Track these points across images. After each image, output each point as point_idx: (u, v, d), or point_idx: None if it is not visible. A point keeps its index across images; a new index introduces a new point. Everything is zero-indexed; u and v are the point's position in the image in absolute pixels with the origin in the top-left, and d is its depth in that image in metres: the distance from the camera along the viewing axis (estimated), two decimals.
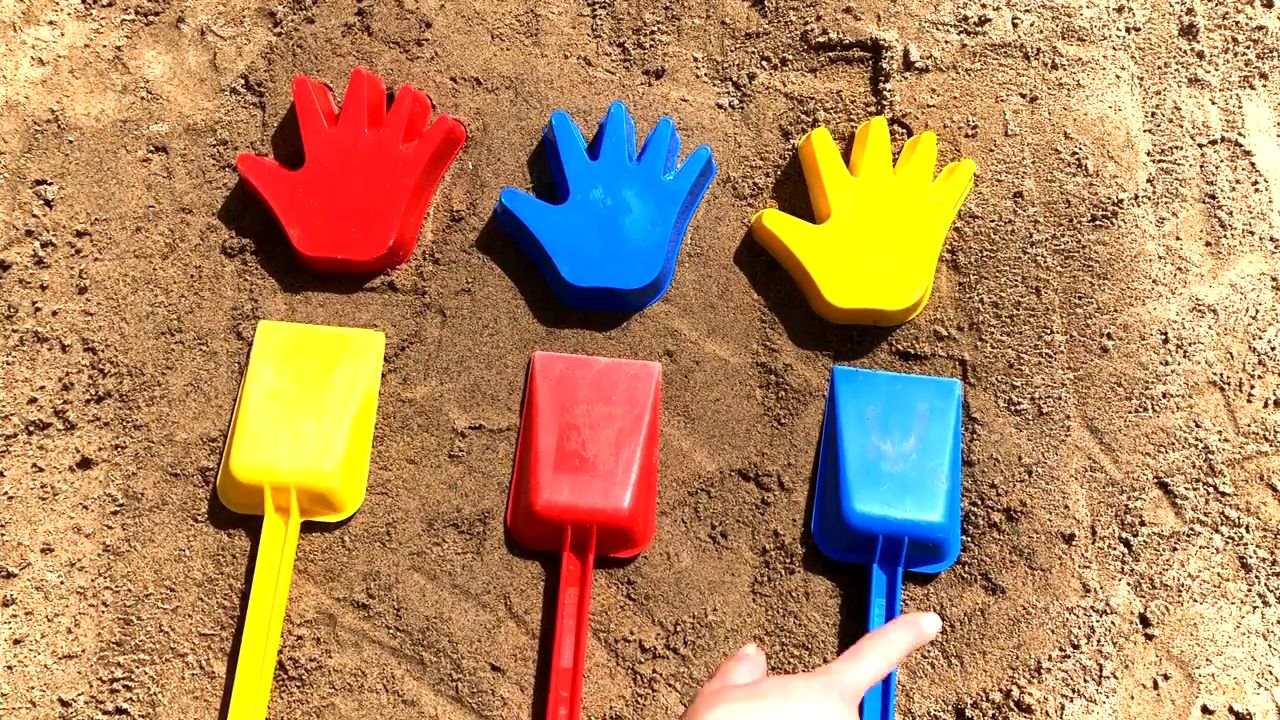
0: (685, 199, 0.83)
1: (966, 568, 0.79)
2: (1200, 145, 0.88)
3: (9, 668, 0.77)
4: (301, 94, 0.84)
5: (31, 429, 0.81)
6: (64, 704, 0.77)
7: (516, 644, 0.77)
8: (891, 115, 0.87)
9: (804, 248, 0.81)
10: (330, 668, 0.77)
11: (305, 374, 0.81)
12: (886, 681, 0.73)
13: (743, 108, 0.88)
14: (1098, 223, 0.86)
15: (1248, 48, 0.91)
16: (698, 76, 0.89)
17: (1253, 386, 0.83)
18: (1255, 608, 0.79)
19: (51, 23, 0.91)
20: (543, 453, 0.78)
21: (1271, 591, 0.79)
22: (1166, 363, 0.83)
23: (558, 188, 0.85)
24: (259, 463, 0.77)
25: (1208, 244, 0.87)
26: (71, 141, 0.87)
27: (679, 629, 0.78)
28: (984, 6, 0.90)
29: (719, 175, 0.87)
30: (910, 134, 0.87)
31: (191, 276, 0.85)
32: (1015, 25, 0.89)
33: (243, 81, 0.89)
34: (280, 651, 0.77)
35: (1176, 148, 0.88)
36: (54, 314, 0.84)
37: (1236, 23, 0.91)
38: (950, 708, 0.76)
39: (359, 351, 0.82)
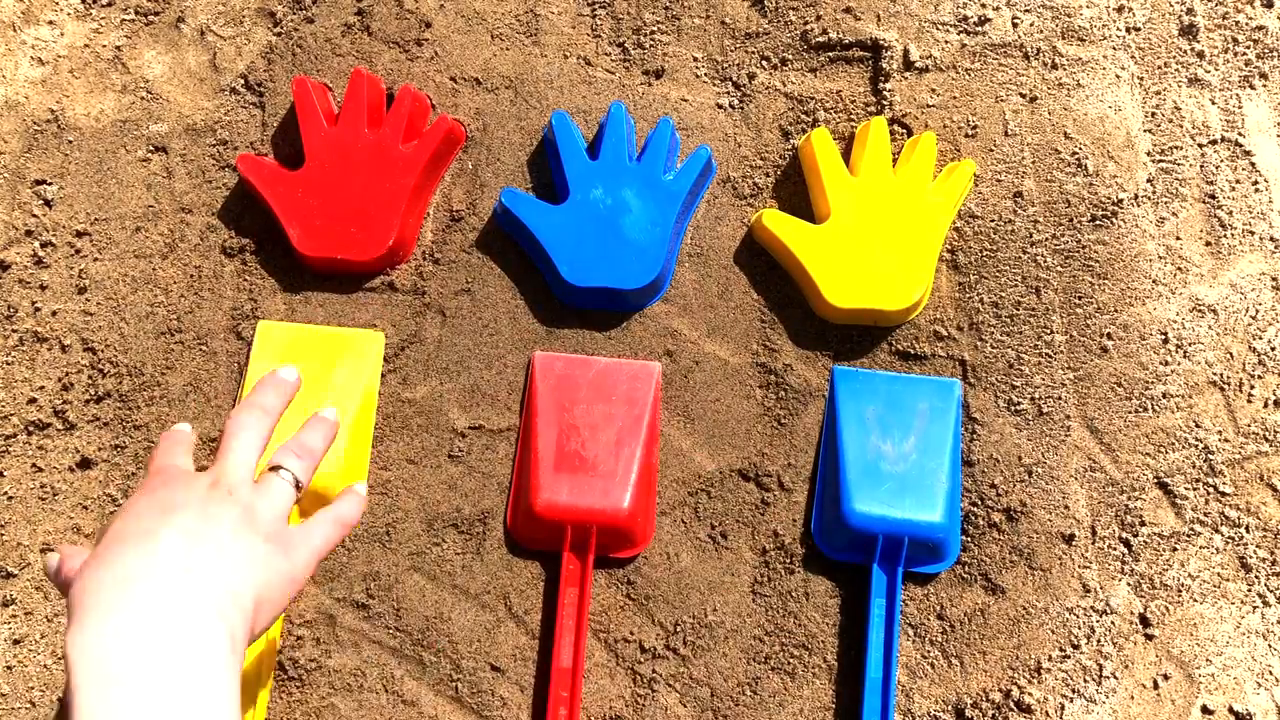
0: (685, 199, 0.83)
1: (966, 568, 0.79)
2: (1200, 145, 0.88)
3: (9, 668, 0.77)
4: (301, 94, 0.84)
5: (31, 429, 0.81)
6: (64, 704, 0.76)
7: (516, 644, 0.77)
8: (891, 115, 0.87)
9: (804, 248, 0.81)
10: (330, 668, 0.77)
11: (305, 374, 0.80)
12: (886, 681, 0.73)
13: (743, 108, 0.88)
14: (1098, 223, 0.86)
15: (1248, 48, 0.91)
16: (698, 76, 0.89)
17: (1253, 386, 0.83)
18: (1255, 608, 0.79)
19: (51, 23, 0.91)
20: (543, 453, 0.78)
21: (1271, 591, 0.79)
22: (1166, 363, 0.83)
23: (558, 188, 0.85)
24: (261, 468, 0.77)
25: (1208, 244, 0.87)
26: (71, 141, 0.87)
27: (679, 629, 0.78)
28: (984, 6, 0.90)
29: (719, 175, 0.87)
30: (910, 134, 0.87)
31: (191, 276, 0.85)
32: (1015, 25, 0.89)
33: (242, 81, 0.89)
34: (280, 651, 0.77)
35: (1176, 148, 0.88)
36: (54, 314, 0.84)
37: (1236, 23, 0.91)
38: (950, 708, 0.76)
39: (359, 351, 0.82)
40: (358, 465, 0.80)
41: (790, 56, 0.89)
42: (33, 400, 0.82)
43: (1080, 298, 0.84)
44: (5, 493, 0.80)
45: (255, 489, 0.54)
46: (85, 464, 0.81)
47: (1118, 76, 0.89)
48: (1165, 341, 0.84)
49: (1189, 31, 0.91)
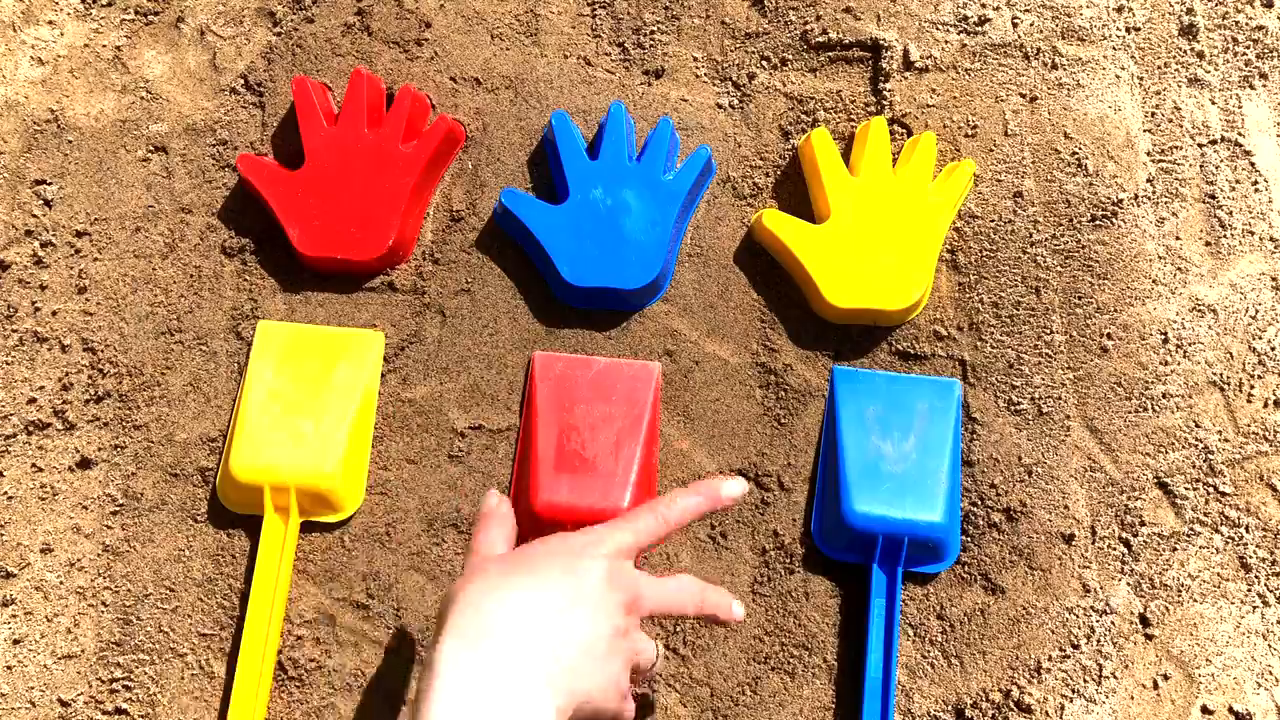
0: (685, 199, 0.83)
1: (966, 568, 0.79)
2: (1200, 145, 0.88)
3: (8, 668, 0.77)
4: (301, 94, 0.84)
5: (31, 429, 0.81)
6: (63, 704, 0.77)
7: None
8: (891, 115, 0.87)
9: (804, 248, 0.81)
10: (330, 668, 0.77)
11: (305, 374, 0.81)
12: (886, 681, 0.73)
13: (743, 108, 0.88)
14: (1098, 223, 0.86)
15: (1248, 48, 0.91)
16: (698, 76, 0.89)
17: (1253, 386, 0.83)
18: (1255, 608, 0.79)
19: (51, 23, 0.91)
20: (542, 453, 0.78)
21: (1271, 591, 0.79)
22: (1166, 363, 0.83)
23: (557, 188, 0.85)
24: (258, 463, 0.77)
25: (1208, 244, 0.87)
26: (71, 141, 0.87)
27: (679, 629, 0.78)
28: (984, 6, 0.90)
29: (719, 175, 0.87)
30: (910, 134, 0.87)
31: (191, 276, 0.85)
32: (1015, 25, 0.89)
33: (242, 81, 0.89)
34: (280, 651, 0.77)
35: (1176, 148, 0.88)
36: (54, 314, 0.84)
37: (1236, 23, 0.91)
38: (950, 708, 0.76)
39: (359, 351, 0.82)
40: (357, 465, 0.80)
41: (790, 56, 0.89)
42: (33, 400, 0.82)
43: (1080, 298, 0.84)
44: (5, 493, 0.80)
45: (636, 627, 0.58)
46: (85, 464, 0.81)
47: (1118, 76, 0.89)
48: (1165, 341, 0.84)
49: (1189, 31, 0.91)
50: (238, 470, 0.77)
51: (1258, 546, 0.80)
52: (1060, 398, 0.82)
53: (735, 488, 0.63)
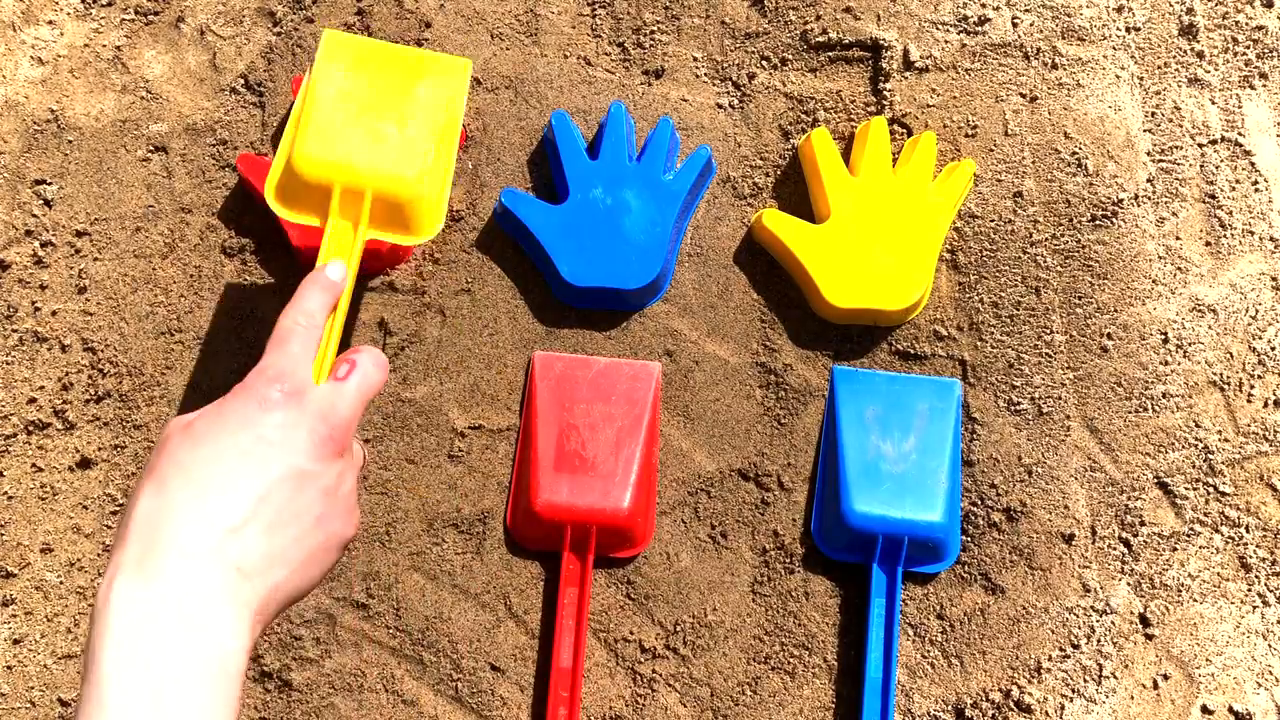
0: (685, 199, 0.83)
1: (966, 568, 0.79)
2: (1200, 145, 0.88)
3: (9, 668, 0.77)
4: None
5: (31, 429, 0.81)
6: (63, 704, 0.77)
7: (516, 644, 0.77)
8: (891, 115, 0.87)
9: (804, 248, 0.81)
10: (330, 668, 0.77)
11: (383, 83, 0.70)
12: (886, 681, 0.74)
13: (742, 108, 0.88)
14: (1098, 223, 0.86)
15: (1248, 48, 0.91)
16: (698, 76, 0.89)
17: (1253, 386, 0.83)
18: (1255, 608, 0.79)
19: (51, 22, 0.91)
20: (542, 453, 0.78)
21: (1271, 591, 0.79)
22: (1166, 363, 0.83)
23: (557, 188, 0.85)
24: (329, 157, 0.65)
25: (1208, 244, 0.87)
26: (71, 141, 0.87)
27: (679, 629, 0.78)
28: (984, 6, 0.90)
29: (719, 175, 0.87)
30: (910, 134, 0.87)
31: (191, 276, 0.85)
32: (1015, 25, 0.89)
33: (242, 81, 0.89)
34: (280, 653, 0.77)
35: (1176, 148, 0.88)
36: (54, 314, 0.84)
37: (1236, 23, 0.91)
38: (950, 708, 0.76)
39: (442, 73, 0.71)
40: (440, 186, 0.70)
41: (790, 56, 0.89)
42: (33, 400, 0.82)
43: (1080, 298, 0.84)
44: (5, 493, 0.80)
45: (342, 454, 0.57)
46: (85, 464, 0.81)
47: (1118, 76, 0.89)
48: (1165, 341, 0.84)
49: (1189, 31, 0.91)
50: (302, 163, 0.65)
51: (1258, 546, 0.80)
52: (1060, 398, 0.82)
53: (336, 271, 0.63)
